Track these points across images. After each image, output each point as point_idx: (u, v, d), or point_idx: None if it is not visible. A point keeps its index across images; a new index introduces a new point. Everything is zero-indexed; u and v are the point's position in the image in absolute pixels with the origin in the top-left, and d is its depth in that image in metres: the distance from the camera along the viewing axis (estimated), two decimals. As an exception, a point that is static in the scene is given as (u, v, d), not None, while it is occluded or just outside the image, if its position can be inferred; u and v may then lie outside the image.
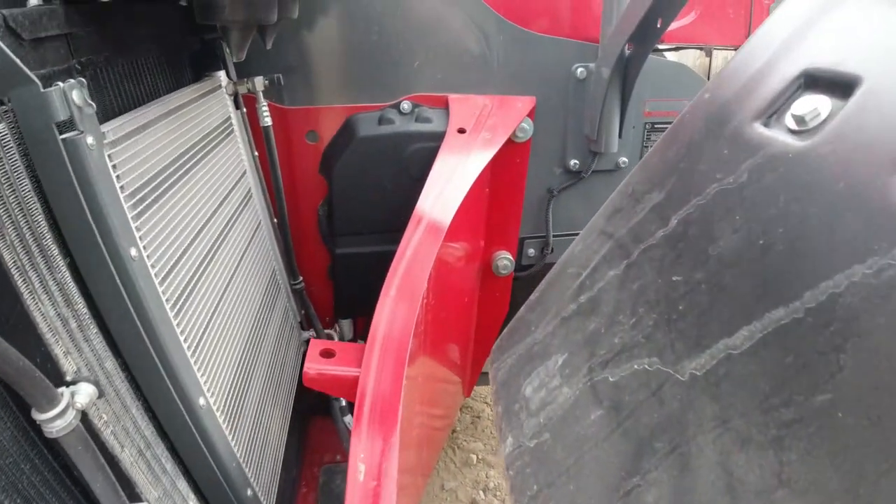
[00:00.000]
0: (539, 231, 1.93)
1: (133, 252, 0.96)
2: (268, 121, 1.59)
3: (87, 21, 1.09)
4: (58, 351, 0.81)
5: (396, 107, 1.71)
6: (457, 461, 2.69)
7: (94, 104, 0.90)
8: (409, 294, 1.22)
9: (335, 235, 1.82)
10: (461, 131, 1.60)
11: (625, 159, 1.86)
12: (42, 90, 0.82)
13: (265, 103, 1.58)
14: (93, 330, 0.88)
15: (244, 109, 1.62)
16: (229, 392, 1.27)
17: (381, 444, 1.05)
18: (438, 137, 1.60)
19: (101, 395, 0.84)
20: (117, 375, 0.92)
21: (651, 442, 0.64)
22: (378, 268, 1.87)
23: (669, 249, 0.71)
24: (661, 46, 1.96)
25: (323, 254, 1.89)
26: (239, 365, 1.35)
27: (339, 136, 1.72)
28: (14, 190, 0.78)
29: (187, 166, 1.26)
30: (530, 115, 1.73)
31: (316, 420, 2.14)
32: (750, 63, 0.77)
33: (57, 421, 0.75)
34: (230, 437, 1.21)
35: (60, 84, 0.85)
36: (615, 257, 0.81)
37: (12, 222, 0.77)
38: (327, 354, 1.24)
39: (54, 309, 0.81)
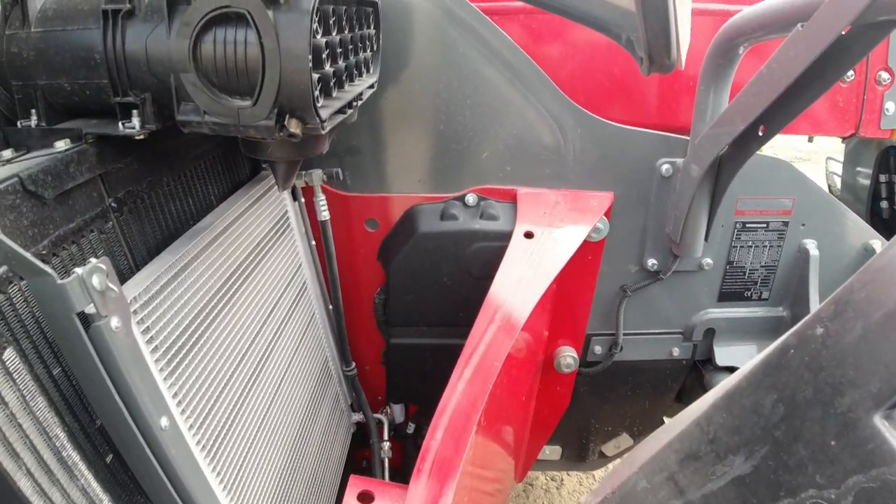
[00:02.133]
0: (608, 328, 1.78)
1: (164, 422, 0.92)
2: (325, 215, 1.52)
3: (126, 153, 1.04)
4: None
5: (461, 199, 1.60)
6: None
7: (117, 287, 0.84)
8: (477, 387, 1.17)
9: (390, 325, 1.75)
10: (528, 235, 1.47)
11: (709, 261, 1.68)
12: (58, 282, 0.77)
13: (323, 197, 1.51)
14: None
15: (302, 200, 1.55)
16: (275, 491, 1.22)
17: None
18: (504, 237, 1.49)
19: None
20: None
21: None
22: (433, 359, 1.80)
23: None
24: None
25: (378, 338, 1.82)
26: (283, 475, 1.31)
27: (400, 226, 1.63)
28: (30, 412, 0.73)
29: (236, 286, 1.21)
30: (607, 214, 1.58)
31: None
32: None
33: None
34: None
35: (78, 272, 0.79)
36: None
37: (29, 447, 0.72)
38: (365, 499, 1.17)
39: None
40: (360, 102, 1.23)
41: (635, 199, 1.62)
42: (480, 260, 1.57)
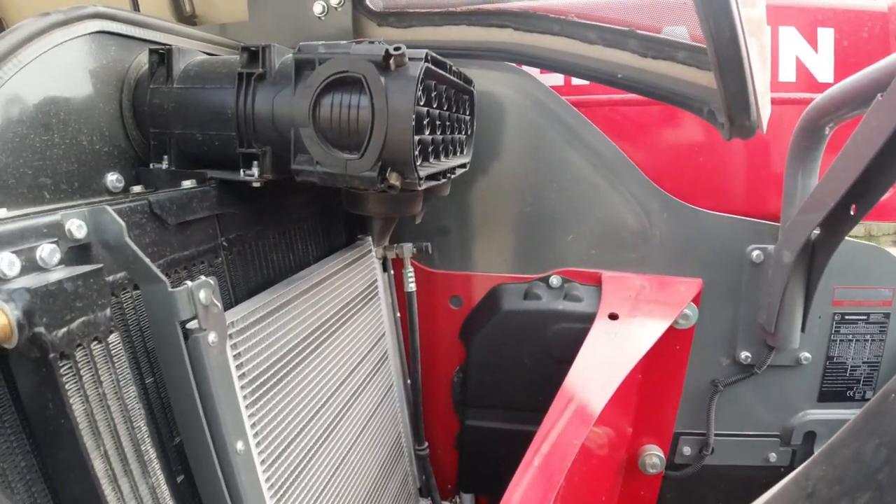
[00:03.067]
0: (698, 427, 1.68)
1: (240, 446, 0.94)
2: (412, 286, 1.57)
3: (241, 200, 1.14)
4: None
5: (545, 280, 1.62)
6: None
7: (220, 304, 0.90)
8: (545, 481, 1.08)
9: (467, 405, 1.72)
10: (613, 317, 1.45)
11: (807, 355, 1.58)
12: (169, 290, 0.83)
13: (411, 269, 1.56)
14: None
15: (391, 272, 1.62)
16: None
17: None
18: (587, 319, 1.47)
19: None
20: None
21: None
22: (508, 446, 1.73)
23: None
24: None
25: (452, 421, 1.79)
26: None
27: (483, 304, 1.66)
28: (121, 400, 0.77)
29: (323, 338, 1.25)
30: (695, 300, 1.54)
31: None
32: None
33: None
34: None
35: (189, 283, 0.86)
36: None
37: (111, 433, 0.76)
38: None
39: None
40: (452, 176, 1.31)
41: (725, 288, 1.58)
42: (562, 341, 1.55)
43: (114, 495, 0.77)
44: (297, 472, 1.12)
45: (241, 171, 1.08)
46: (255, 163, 1.08)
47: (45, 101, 0.94)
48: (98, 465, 0.74)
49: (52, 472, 0.76)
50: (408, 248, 1.55)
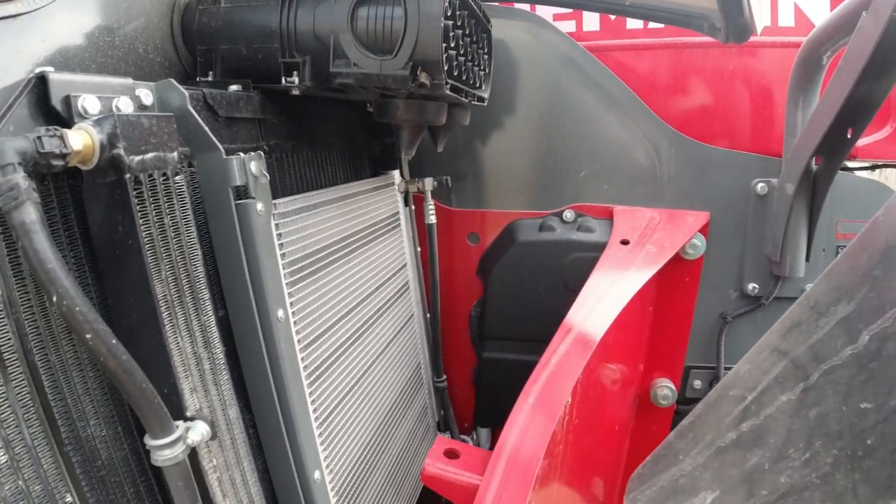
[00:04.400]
0: (708, 360, 1.74)
1: (280, 314, 1.01)
2: (433, 219, 1.65)
3: (280, 111, 1.23)
4: (185, 386, 0.84)
5: (559, 215, 1.69)
6: None
7: (267, 175, 0.98)
8: (546, 409, 1.12)
9: (484, 338, 1.79)
10: (624, 242, 1.53)
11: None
12: (224, 157, 0.92)
13: (432, 202, 1.64)
14: (224, 376, 0.91)
15: (412, 207, 1.70)
16: (348, 475, 1.24)
17: None
18: (599, 248, 1.54)
19: (214, 437, 0.85)
20: (238, 425, 0.93)
21: None
22: (523, 378, 1.80)
23: (858, 370, 0.58)
24: (854, 165, 1.78)
25: (470, 357, 1.86)
26: (364, 450, 1.32)
27: (500, 239, 1.73)
28: (180, 237, 0.85)
29: (350, 248, 1.33)
30: (703, 231, 1.61)
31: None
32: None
33: (165, 451, 0.77)
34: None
35: (241, 154, 0.94)
36: (789, 379, 0.68)
37: (170, 264, 0.83)
38: (451, 455, 1.17)
39: (192, 347, 0.86)
40: (473, 101, 1.39)
41: (732, 221, 1.65)
42: (576, 271, 1.62)
43: (170, 323, 0.84)
44: (327, 364, 1.19)
45: (283, 78, 1.17)
46: (296, 72, 1.17)
47: (109, 8, 1.03)
48: (159, 289, 0.82)
49: (114, 298, 0.83)
50: (428, 182, 1.63)
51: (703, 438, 0.78)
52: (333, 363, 1.21)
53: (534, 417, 1.11)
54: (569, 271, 1.64)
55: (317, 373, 1.14)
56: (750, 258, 1.66)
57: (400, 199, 1.64)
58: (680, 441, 0.84)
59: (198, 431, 0.82)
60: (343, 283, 1.28)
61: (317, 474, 1.09)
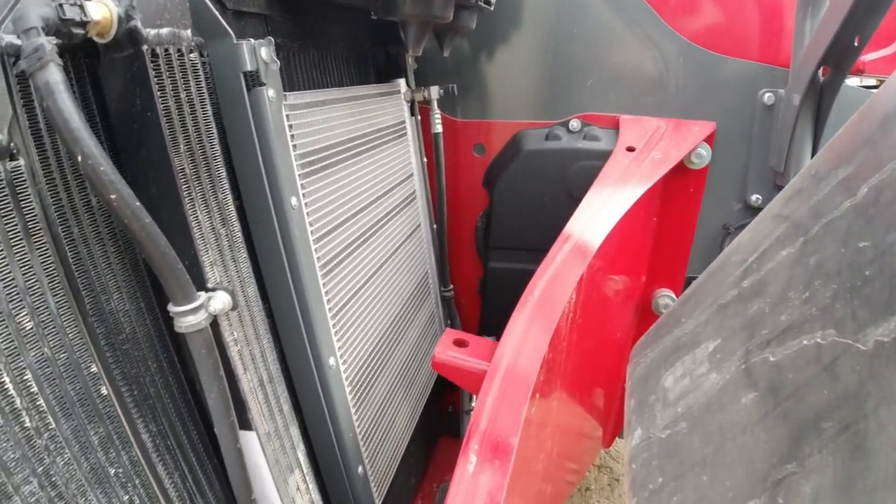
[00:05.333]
0: (708, 271, 1.77)
1: (293, 201, 1.03)
2: (439, 128, 1.65)
3: (286, 9, 1.22)
4: (205, 259, 0.87)
5: (565, 125, 1.69)
6: (589, 522, 2.48)
7: (278, 61, 0.99)
8: (544, 317, 1.15)
9: (490, 248, 1.82)
10: (630, 149, 1.53)
11: (817, 199, 1.66)
12: (235, 42, 0.92)
13: (438, 112, 1.64)
14: (242, 255, 0.94)
15: (418, 117, 1.70)
16: (361, 367, 1.28)
17: (498, 446, 0.98)
18: (605, 156, 1.55)
19: (235, 307, 0.88)
20: (256, 304, 0.97)
21: (816, 423, 0.52)
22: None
23: (857, 217, 0.60)
24: (865, 83, 1.77)
25: (475, 268, 1.89)
26: (375, 347, 1.37)
27: (506, 150, 1.74)
28: (196, 113, 0.86)
29: (358, 151, 1.34)
30: (708, 140, 1.62)
31: (442, 440, 2.11)
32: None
33: (188, 317, 0.80)
34: (352, 409, 1.21)
35: (252, 40, 0.94)
36: (790, 236, 0.71)
37: (187, 139, 0.85)
38: (460, 344, 1.21)
39: (210, 222, 0.88)
40: (479, 1, 1.38)
41: (738, 132, 1.65)
42: (581, 179, 1.63)
43: (189, 197, 0.86)
44: (339, 259, 1.22)
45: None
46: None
47: None
48: (177, 162, 0.84)
49: (133, 174, 0.85)
50: (434, 90, 1.62)
51: (704, 300, 0.82)
52: (344, 259, 1.24)
53: (531, 326, 1.14)
54: (574, 180, 1.65)
55: (329, 265, 1.17)
56: (754, 169, 1.67)
57: (406, 107, 1.64)
58: (682, 307, 0.87)
59: (220, 300, 0.85)
60: (352, 182, 1.30)
61: (331, 360, 1.13)
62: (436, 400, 1.93)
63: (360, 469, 1.25)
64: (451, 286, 1.83)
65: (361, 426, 1.26)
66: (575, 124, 1.69)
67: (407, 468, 1.73)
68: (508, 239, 1.79)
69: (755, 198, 1.68)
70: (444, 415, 2.10)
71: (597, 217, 1.34)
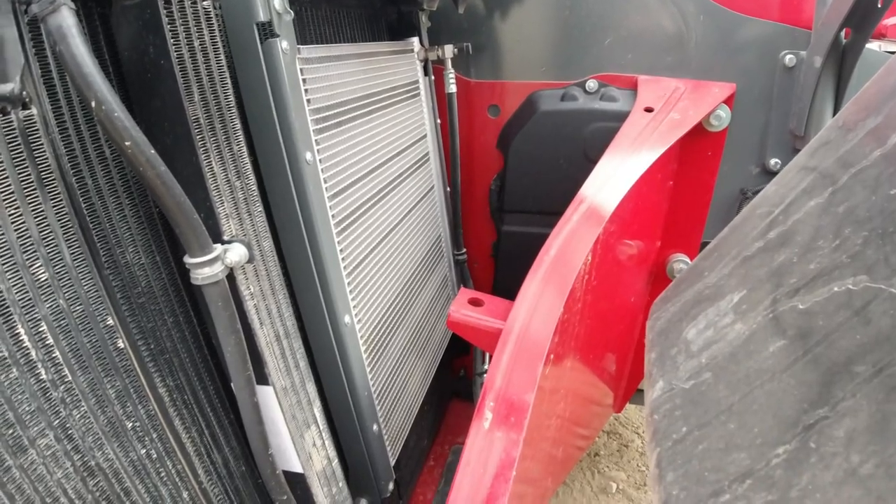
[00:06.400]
0: (725, 236, 1.75)
1: (308, 156, 1.01)
2: (453, 87, 1.62)
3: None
4: (220, 211, 0.86)
5: (582, 85, 1.66)
6: (594, 486, 2.50)
7: (291, 12, 0.96)
8: (559, 278, 1.13)
9: (504, 211, 1.80)
10: (648, 110, 1.50)
11: (837, 162, 1.63)
12: (246, -10, 0.90)
13: (452, 71, 1.62)
14: (258, 208, 0.93)
15: (432, 77, 1.67)
16: (376, 326, 1.28)
17: (513, 399, 0.97)
18: (622, 118, 1.52)
19: (251, 259, 0.87)
20: (272, 258, 0.96)
21: (848, 367, 0.51)
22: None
23: (888, 166, 0.59)
24: (887, 48, 1.73)
25: (489, 231, 1.88)
26: (389, 307, 1.36)
27: (521, 111, 1.71)
28: (209, 61, 0.85)
29: (371, 108, 1.32)
30: (728, 102, 1.58)
31: (455, 402, 2.12)
32: None
33: (205, 269, 0.79)
34: (367, 367, 1.21)
35: (266, -10, 0.92)
36: (817, 187, 0.69)
37: (201, 88, 0.83)
38: (475, 303, 1.21)
39: (225, 174, 0.87)
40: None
41: (758, 94, 1.62)
42: (598, 140, 1.61)
43: (203, 147, 0.85)
44: (353, 218, 1.21)
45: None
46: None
47: None
48: (191, 112, 0.82)
49: (147, 124, 0.84)
50: (448, 49, 1.59)
51: (728, 253, 0.80)
52: (359, 218, 1.23)
53: (546, 287, 1.13)
54: (590, 141, 1.63)
55: (343, 223, 1.15)
56: (773, 133, 1.64)
57: (419, 67, 1.61)
58: (704, 262, 0.86)
59: (236, 252, 0.85)
60: (365, 141, 1.28)
61: (346, 318, 1.13)
62: (448, 363, 1.93)
63: (374, 427, 1.25)
64: (465, 249, 1.82)
65: (376, 385, 1.26)
66: (592, 84, 1.65)
67: (419, 429, 1.74)
68: (523, 202, 1.77)
69: (774, 162, 1.65)
70: (455, 378, 2.11)
71: (612, 179, 1.32)
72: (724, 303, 0.74)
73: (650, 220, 1.70)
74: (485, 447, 0.92)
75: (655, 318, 0.89)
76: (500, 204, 1.81)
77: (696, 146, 1.60)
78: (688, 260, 1.74)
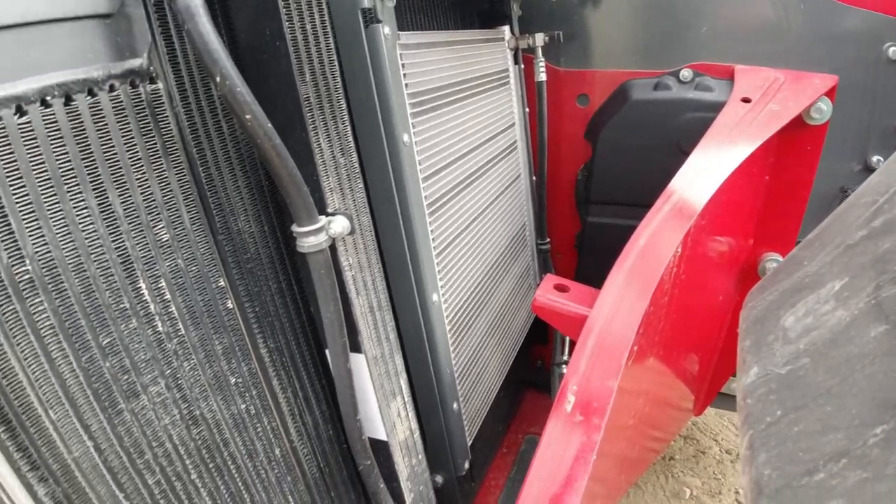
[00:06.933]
0: (822, 234, 1.67)
1: (405, 138, 1.05)
2: (543, 76, 1.63)
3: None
4: (325, 185, 0.92)
5: (675, 74, 1.63)
6: (667, 491, 2.44)
7: (394, 2, 1.01)
8: (647, 270, 1.12)
9: (590, 202, 1.80)
10: (745, 101, 1.46)
11: (945, 160, 1.53)
12: (350, -22, 0.94)
13: (542, 59, 1.62)
14: (359, 185, 0.98)
15: (522, 66, 1.68)
16: (460, 308, 1.31)
17: (596, 385, 0.98)
18: (717, 108, 1.48)
19: (352, 232, 0.92)
20: (369, 233, 1.01)
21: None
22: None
23: None
24: None
25: (573, 222, 1.88)
26: (473, 291, 1.39)
27: (612, 100, 1.70)
28: (319, 44, 0.90)
29: (463, 95, 1.35)
30: (829, 95, 1.51)
31: (530, 392, 2.13)
32: None
33: (310, 237, 0.85)
34: (451, 347, 1.24)
35: (369, -22, 0.96)
36: (924, 176, 0.66)
37: (311, 70, 0.88)
38: (561, 289, 1.22)
39: (331, 150, 0.92)
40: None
41: (859, 87, 1.54)
42: (691, 131, 1.57)
43: (312, 124, 0.90)
44: (444, 200, 1.24)
45: None
46: None
47: None
48: (302, 91, 0.88)
49: (261, 100, 0.89)
50: (539, 37, 1.60)
51: (830, 242, 0.78)
52: (449, 201, 1.26)
53: (634, 277, 1.12)
54: (683, 132, 1.60)
55: (435, 205, 1.19)
56: (876, 129, 1.56)
57: (509, 55, 1.63)
58: (804, 251, 0.84)
59: (339, 224, 0.90)
60: (457, 126, 1.31)
61: (434, 296, 1.17)
62: (526, 353, 1.94)
63: (454, 405, 1.29)
64: (548, 239, 1.83)
65: (458, 364, 1.29)
66: (686, 74, 1.62)
67: (495, 415, 1.77)
68: (610, 193, 1.76)
69: (876, 159, 1.57)
70: (532, 369, 2.12)
71: (706, 171, 1.30)
72: (825, 290, 0.72)
73: (743, 216, 1.65)
74: (566, 429, 0.93)
75: (750, 307, 0.87)
76: (586, 194, 1.81)
77: (795, 140, 1.54)
78: (781, 259, 1.68)
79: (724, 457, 2.62)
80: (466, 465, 1.39)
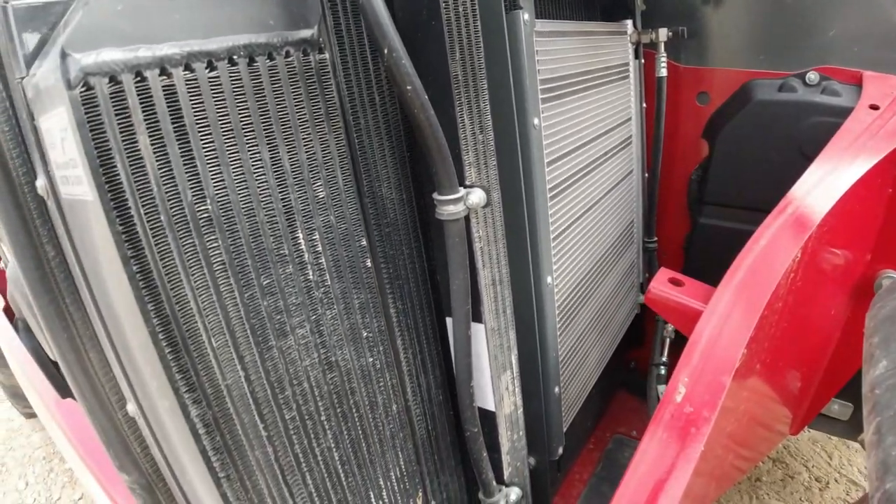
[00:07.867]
0: (952, 254, 1.59)
1: (535, 121, 1.10)
2: (664, 72, 1.64)
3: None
4: (466, 158, 0.98)
5: (801, 77, 1.60)
6: (753, 511, 2.37)
7: (532, -12, 1.05)
8: (763, 274, 1.11)
9: (703, 203, 1.78)
10: (873, 107, 1.42)
11: None
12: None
13: (664, 55, 1.63)
14: (492, 161, 1.03)
15: (642, 61, 1.69)
16: (569, 294, 1.35)
17: (708, 380, 0.99)
18: (844, 114, 1.44)
19: (487, 204, 0.98)
20: (498, 210, 1.06)
21: None
22: (739, 249, 1.77)
23: None
24: None
25: (683, 222, 1.86)
26: (582, 279, 1.42)
27: (733, 99, 1.68)
28: (468, 25, 0.96)
29: (585, 85, 1.38)
30: (969, 105, 1.44)
31: (621, 393, 2.13)
32: None
33: (450, 206, 0.91)
34: (558, 331, 1.28)
35: (512, -34, 1.01)
36: None
37: (461, 49, 0.94)
38: (675, 283, 1.23)
39: (472, 127, 0.98)
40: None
41: None
42: (815, 136, 1.53)
43: (458, 101, 0.95)
44: (563, 187, 1.28)
45: None
46: None
47: None
48: (452, 69, 0.94)
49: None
50: (662, 32, 1.61)
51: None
52: (567, 188, 1.30)
53: (752, 278, 1.12)
54: (806, 136, 1.56)
55: (555, 190, 1.23)
56: None
57: (631, 49, 1.64)
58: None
59: (476, 196, 0.95)
60: (578, 116, 1.34)
61: (549, 279, 1.21)
62: (621, 354, 1.95)
63: (556, 389, 1.32)
64: (656, 238, 1.83)
65: (562, 349, 1.33)
66: (812, 77, 1.58)
67: (587, 409, 1.78)
68: (725, 195, 1.74)
69: None
70: (625, 370, 2.12)
71: (830, 179, 1.27)
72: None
73: (863, 229, 1.59)
74: (678, 416, 0.95)
75: (879, 307, 0.87)
76: (699, 195, 1.79)
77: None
78: (900, 275, 1.61)
79: (813, 484, 2.51)
80: (560, 451, 1.42)
